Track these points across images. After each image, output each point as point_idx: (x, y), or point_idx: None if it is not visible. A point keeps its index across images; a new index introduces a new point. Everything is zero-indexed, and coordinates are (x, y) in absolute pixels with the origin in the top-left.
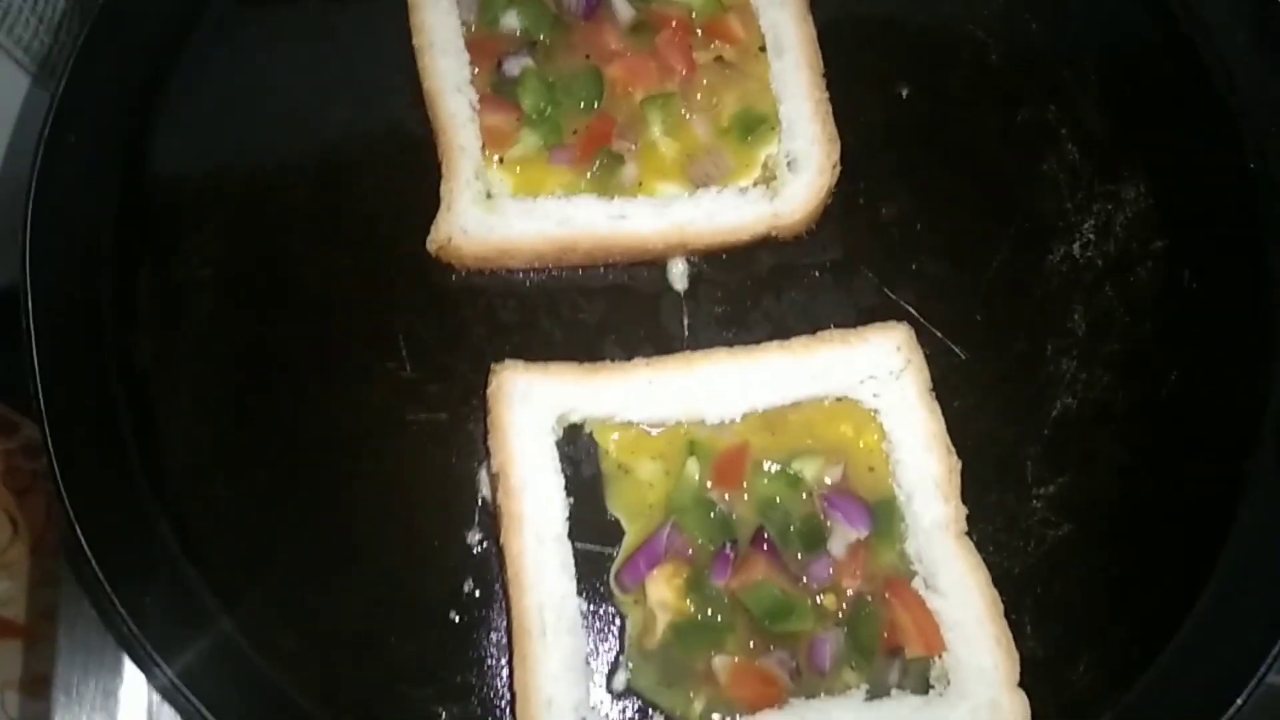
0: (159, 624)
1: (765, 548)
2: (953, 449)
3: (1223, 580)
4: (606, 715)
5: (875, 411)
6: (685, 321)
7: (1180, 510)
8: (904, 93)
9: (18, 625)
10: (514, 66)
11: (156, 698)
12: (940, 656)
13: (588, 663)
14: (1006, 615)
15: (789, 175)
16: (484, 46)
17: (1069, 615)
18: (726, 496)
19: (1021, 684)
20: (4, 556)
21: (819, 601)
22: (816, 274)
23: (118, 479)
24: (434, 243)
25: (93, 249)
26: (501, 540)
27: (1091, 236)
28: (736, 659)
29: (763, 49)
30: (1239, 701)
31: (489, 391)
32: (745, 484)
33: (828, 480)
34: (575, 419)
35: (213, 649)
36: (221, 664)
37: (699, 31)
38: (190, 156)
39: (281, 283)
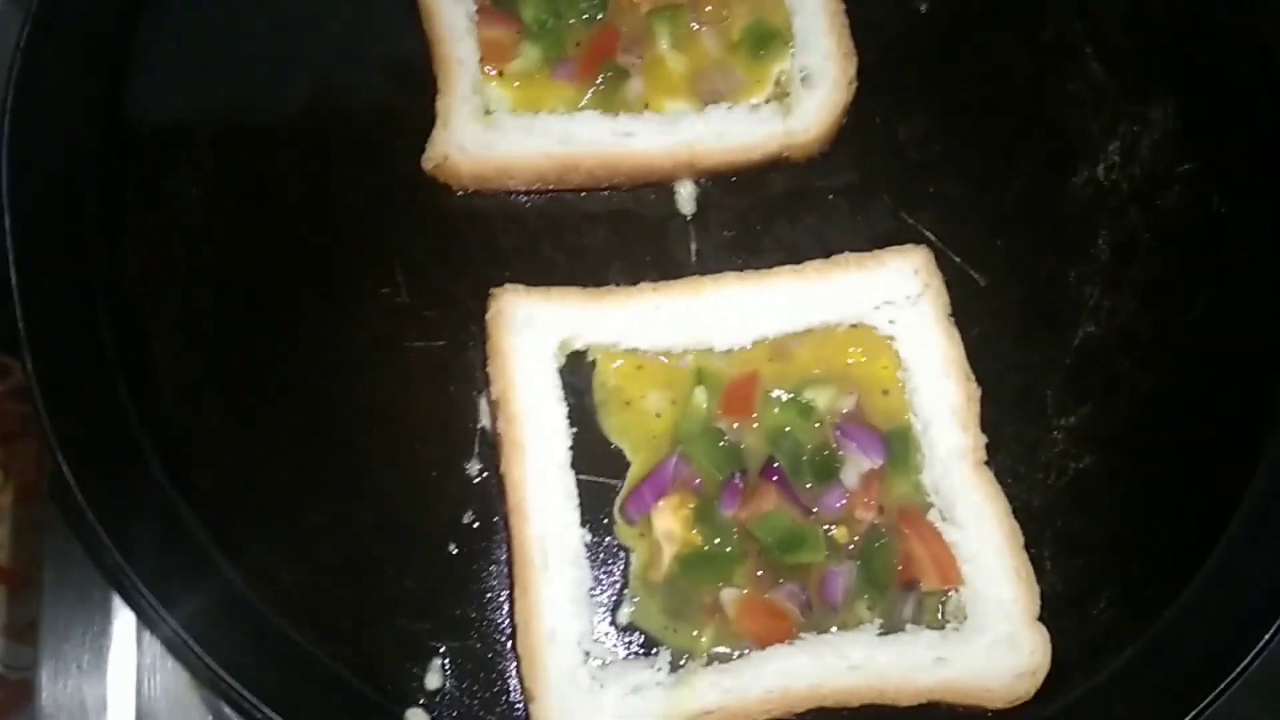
0: (150, 560)
1: (776, 478)
2: (971, 376)
3: (1248, 514)
4: (611, 649)
5: (891, 338)
6: (693, 247)
7: (1205, 441)
8: (923, 7)
9: (5, 571)
10: None
11: (146, 644)
12: (957, 590)
13: (591, 596)
14: (1026, 549)
15: (803, 92)
16: None
17: (1090, 549)
18: (735, 426)
19: (1041, 619)
20: None
21: (830, 533)
22: (830, 197)
23: (106, 410)
24: (430, 160)
25: (75, 170)
26: (502, 469)
27: (1117, 159)
28: (745, 592)
29: None
30: (1266, 638)
31: (488, 317)
32: (755, 414)
33: (842, 410)
34: (579, 345)
35: (205, 584)
36: (214, 599)
37: None
38: (176, 72)
39: (273, 203)
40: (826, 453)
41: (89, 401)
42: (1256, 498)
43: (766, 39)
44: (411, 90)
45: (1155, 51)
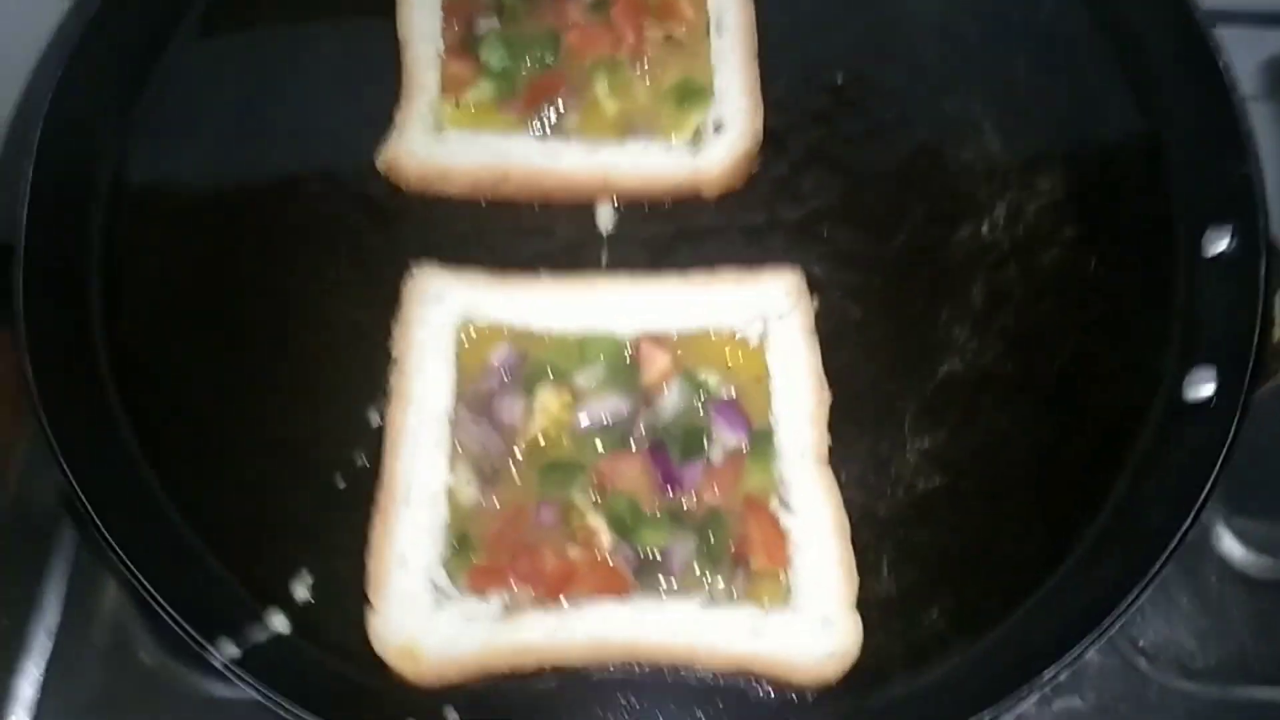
0: (94, 472)
1: (658, 457)
2: (826, 384)
3: (1083, 552)
4: (454, 586)
5: (760, 347)
6: (604, 263)
7: (1052, 481)
8: (839, 79)
9: None
10: (482, 26)
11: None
12: (785, 570)
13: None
14: (864, 553)
15: (713, 136)
16: (459, 6)
17: (927, 562)
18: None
19: (869, 617)
20: None
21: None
22: (733, 235)
23: (79, 337)
24: (383, 161)
25: (82, 231)
26: (387, 418)
27: (1001, 220)
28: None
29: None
30: (1067, 658)
31: (404, 289)
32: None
33: (722, 396)
34: (479, 321)
35: (135, 497)
36: (141, 512)
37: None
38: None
39: (243, 187)
40: (698, 432)
41: (66, 329)
42: (1093, 537)
43: (691, 94)
44: (376, 105)
45: (1048, 127)
